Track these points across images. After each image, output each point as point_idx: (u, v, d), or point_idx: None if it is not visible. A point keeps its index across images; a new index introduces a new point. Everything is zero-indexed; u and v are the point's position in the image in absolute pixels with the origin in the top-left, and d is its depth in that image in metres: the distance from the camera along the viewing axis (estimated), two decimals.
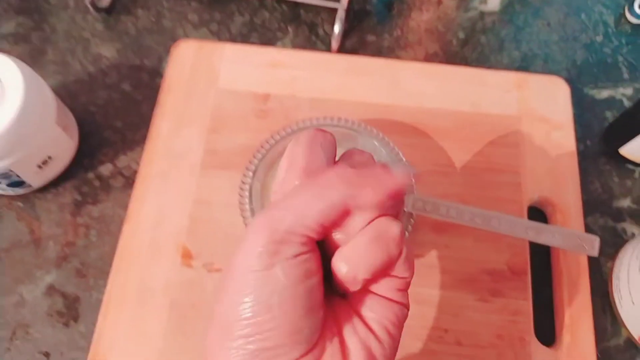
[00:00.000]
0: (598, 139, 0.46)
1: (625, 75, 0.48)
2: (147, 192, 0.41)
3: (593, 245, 0.33)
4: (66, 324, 0.39)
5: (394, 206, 0.23)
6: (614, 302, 0.40)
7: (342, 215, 0.22)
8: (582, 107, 0.47)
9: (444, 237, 0.40)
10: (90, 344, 0.37)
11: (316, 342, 0.22)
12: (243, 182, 0.37)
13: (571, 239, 0.33)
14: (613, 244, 0.42)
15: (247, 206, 0.36)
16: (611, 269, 0.41)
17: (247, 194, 0.37)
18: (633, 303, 0.38)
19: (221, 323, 0.22)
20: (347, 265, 0.22)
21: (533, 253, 0.40)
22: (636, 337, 0.39)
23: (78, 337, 0.39)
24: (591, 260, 0.42)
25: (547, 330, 0.39)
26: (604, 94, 0.48)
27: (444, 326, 0.38)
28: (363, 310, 0.23)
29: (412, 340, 0.37)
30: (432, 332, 0.37)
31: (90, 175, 0.44)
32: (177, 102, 0.44)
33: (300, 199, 0.21)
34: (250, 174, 0.37)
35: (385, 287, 0.23)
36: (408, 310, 0.24)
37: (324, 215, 0.21)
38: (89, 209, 0.43)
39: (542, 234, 0.33)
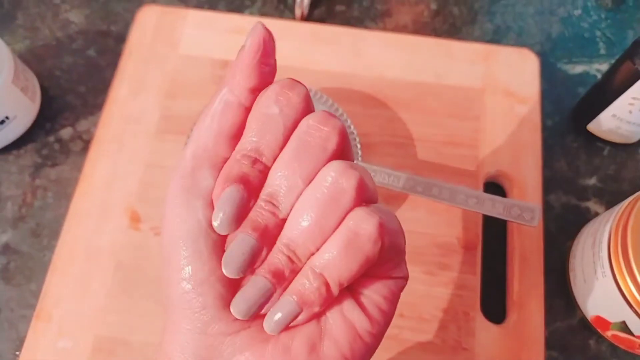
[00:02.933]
0: (567, 115, 0.44)
1: (602, 51, 0.46)
2: (101, 155, 0.41)
3: (533, 215, 0.32)
4: (18, 282, 0.40)
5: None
6: (569, 281, 0.39)
7: (240, 118, 0.20)
8: (554, 82, 0.46)
9: (396, 209, 0.40)
10: None
11: None
12: (187, 144, 0.37)
13: (511, 209, 0.32)
14: (575, 223, 0.41)
15: None
16: (569, 248, 0.40)
17: None
18: (585, 281, 0.36)
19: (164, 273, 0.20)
20: (317, 280, 0.18)
21: (490, 228, 0.39)
22: (588, 317, 0.37)
23: (29, 295, 0.39)
24: (551, 239, 0.40)
25: (500, 307, 0.38)
26: (578, 69, 0.46)
27: None
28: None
29: None
30: None
31: (51, 138, 0.44)
32: (137, 67, 0.44)
33: (197, 125, 0.21)
34: None
35: (376, 268, 0.20)
36: (407, 280, 0.21)
37: (216, 123, 0.20)
38: (47, 172, 0.43)
39: (484, 203, 0.32)
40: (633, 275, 0.32)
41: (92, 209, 0.40)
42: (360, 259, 0.18)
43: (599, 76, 0.46)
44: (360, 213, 0.18)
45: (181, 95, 0.43)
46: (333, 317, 0.19)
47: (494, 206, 0.32)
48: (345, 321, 0.19)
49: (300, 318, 0.19)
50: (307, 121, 0.19)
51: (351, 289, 0.20)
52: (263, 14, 0.49)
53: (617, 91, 0.38)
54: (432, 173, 0.40)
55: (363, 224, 0.17)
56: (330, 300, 0.18)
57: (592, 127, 0.42)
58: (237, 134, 0.20)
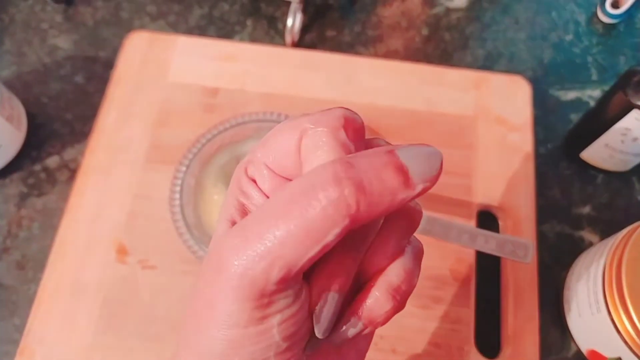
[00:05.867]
0: (560, 143, 0.44)
1: (594, 77, 0.46)
2: (87, 186, 0.41)
3: (526, 252, 0.31)
4: (2, 316, 0.39)
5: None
6: (564, 313, 0.38)
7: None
8: (546, 108, 0.45)
9: None
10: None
11: None
12: (175, 177, 0.36)
13: (505, 245, 0.31)
14: (570, 253, 0.40)
15: (177, 202, 0.35)
16: (564, 279, 0.39)
17: (177, 189, 0.36)
18: (579, 315, 0.36)
19: None
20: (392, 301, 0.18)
21: (483, 259, 0.39)
22: (583, 351, 0.37)
23: (12, 330, 0.38)
24: (545, 269, 0.40)
25: (494, 341, 0.38)
26: (570, 95, 0.46)
27: (379, 332, 0.36)
28: None
29: None
30: None
31: (37, 167, 0.44)
32: (125, 94, 0.44)
33: (275, 228, 0.15)
34: (184, 168, 0.36)
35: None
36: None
37: (314, 245, 0.14)
38: (33, 201, 0.42)
39: (476, 239, 0.32)
40: (628, 312, 0.31)
41: (78, 241, 0.39)
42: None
43: (591, 103, 0.45)
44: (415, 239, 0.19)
45: (171, 123, 0.42)
46: None
47: (487, 242, 0.32)
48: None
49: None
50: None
51: None
52: (253, 39, 0.48)
53: (609, 121, 0.38)
54: (426, 203, 0.40)
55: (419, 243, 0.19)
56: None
57: (585, 155, 0.42)
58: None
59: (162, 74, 0.44)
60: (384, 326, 0.36)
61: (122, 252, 0.38)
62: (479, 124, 0.43)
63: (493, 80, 0.44)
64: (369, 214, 0.15)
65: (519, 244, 0.31)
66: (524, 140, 0.42)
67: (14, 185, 0.43)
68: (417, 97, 0.44)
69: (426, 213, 0.34)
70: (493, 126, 0.43)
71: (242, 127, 0.39)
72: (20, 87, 0.46)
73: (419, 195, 0.15)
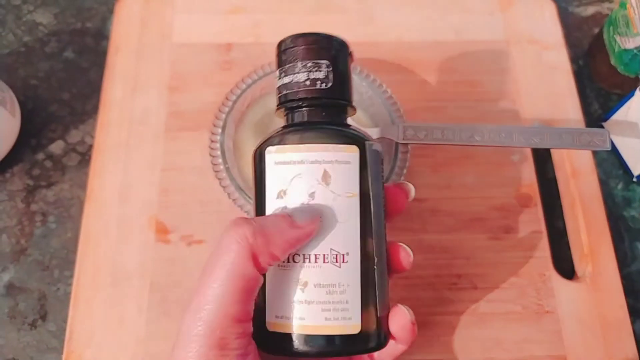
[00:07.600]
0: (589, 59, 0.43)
1: None
2: (106, 166, 0.36)
3: (604, 138, 0.30)
4: (33, 325, 0.34)
5: None
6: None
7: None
8: (570, 26, 0.44)
9: (443, 177, 0.37)
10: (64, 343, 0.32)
11: None
12: (212, 141, 0.33)
13: (581, 136, 0.30)
14: (618, 165, 0.39)
15: (222, 166, 0.32)
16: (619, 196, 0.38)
17: (219, 153, 0.32)
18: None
19: None
20: None
21: (543, 182, 0.37)
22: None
23: (48, 337, 0.34)
24: (601, 184, 0.38)
25: (567, 263, 0.36)
26: (590, 10, 0.44)
27: (456, 271, 0.34)
28: None
29: (425, 291, 0.33)
30: (444, 279, 0.34)
31: (40, 155, 0.39)
32: (129, 63, 0.39)
33: (210, 286, 0.21)
34: (219, 130, 0.33)
35: None
36: None
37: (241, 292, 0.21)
38: (43, 194, 0.38)
39: (548, 138, 0.30)
40: None
41: (108, 227, 0.35)
42: None
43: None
44: None
45: (186, 87, 0.38)
46: None
47: (562, 138, 0.30)
48: None
49: None
50: None
51: None
52: None
53: None
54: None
55: None
56: None
57: None
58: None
59: (165, 35, 0.40)
60: (460, 265, 0.34)
61: (161, 231, 0.34)
62: (512, 47, 0.41)
63: (516, 2, 0.42)
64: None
65: (595, 133, 0.30)
66: (559, 57, 0.40)
67: (17, 180, 0.38)
68: (444, 28, 0.41)
69: (492, 125, 0.32)
70: (526, 47, 0.41)
71: (269, 77, 0.36)
72: (2, 71, 0.41)
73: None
